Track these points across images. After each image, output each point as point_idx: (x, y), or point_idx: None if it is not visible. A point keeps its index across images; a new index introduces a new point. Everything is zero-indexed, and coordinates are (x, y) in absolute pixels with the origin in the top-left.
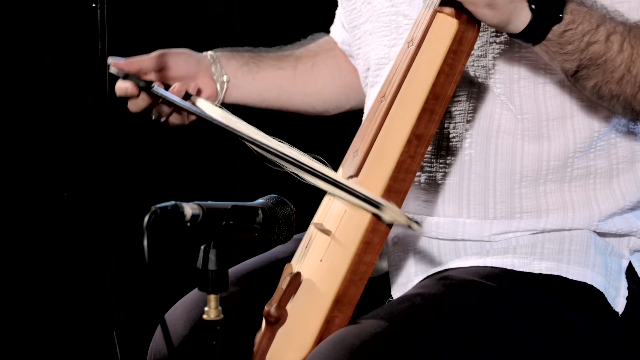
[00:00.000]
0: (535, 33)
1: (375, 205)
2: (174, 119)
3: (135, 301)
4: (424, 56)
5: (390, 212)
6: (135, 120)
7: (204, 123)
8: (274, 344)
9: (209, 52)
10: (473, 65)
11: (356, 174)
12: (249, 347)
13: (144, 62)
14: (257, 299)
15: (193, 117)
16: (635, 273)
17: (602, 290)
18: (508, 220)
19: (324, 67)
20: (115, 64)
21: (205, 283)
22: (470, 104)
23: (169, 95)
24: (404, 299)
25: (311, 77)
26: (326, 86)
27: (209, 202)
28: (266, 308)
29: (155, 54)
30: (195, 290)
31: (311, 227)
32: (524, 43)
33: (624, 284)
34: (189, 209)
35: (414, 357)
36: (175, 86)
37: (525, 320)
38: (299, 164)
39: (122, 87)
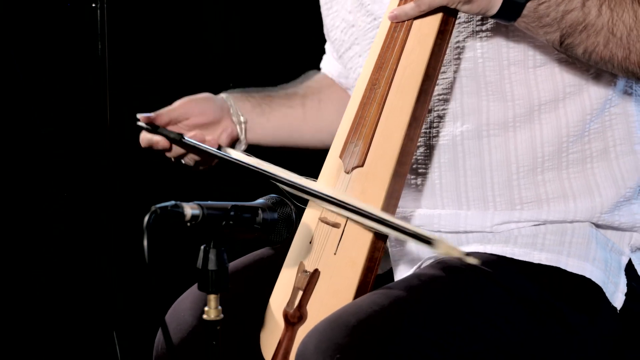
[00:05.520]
0: (510, 12)
1: (427, 241)
2: (202, 164)
3: (135, 301)
4: (415, 40)
5: (443, 246)
6: (135, 120)
7: (236, 168)
8: (297, 343)
9: (223, 95)
10: (458, 58)
11: (361, 164)
12: (245, 345)
13: (172, 113)
14: (251, 296)
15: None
16: (635, 271)
17: (600, 285)
18: (509, 212)
19: (329, 103)
20: (145, 118)
21: (205, 283)
22: (457, 101)
23: (202, 145)
24: (401, 281)
25: (319, 113)
26: (334, 121)
27: (209, 202)
28: (286, 309)
29: (179, 103)
30: None
31: (310, 222)
32: (504, 22)
33: (623, 281)
34: (189, 209)
35: (408, 335)
36: (207, 137)
37: (518, 307)
38: (344, 204)
39: (154, 140)
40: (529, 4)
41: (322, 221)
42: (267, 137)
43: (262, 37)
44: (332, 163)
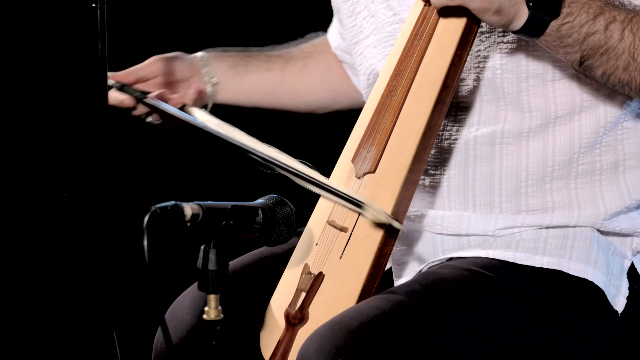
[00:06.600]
0: (534, 28)
1: (357, 204)
2: (166, 123)
3: (135, 301)
4: (435, 49)
5: (371, 211)
6: (135, 120)
7: (197, 131)
8: (296, 344)
9: (200, 54)
10: (478, 67)
11: (373, 170)
12: (245, 344)
13: (140, 71)
14: (251, 295)
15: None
16: (637, 274)
17: (602, 288)
18: (513, 216)
19: (314, 70)
20: (112, 76)
21: (205, 283)
22: (477, 109)
23: (163, 105)
24: (403, 285)
25: (299, 79)
26: (313, 88)
27: (209, 202)
28: (288, 309)
29: (149, 61)
30: None
31: (317, 225)
32: (526, 38)
33: (625, 284)
34: (189, 209)
35: (410, 339)
36: (172, 97)
37: (520, 311)
38: (289, 168)
39: (119, 98)
40: (552, 23)
41: (330, 224)
42: (240, 98)
43: (262, 37)
44: (343, 166)
